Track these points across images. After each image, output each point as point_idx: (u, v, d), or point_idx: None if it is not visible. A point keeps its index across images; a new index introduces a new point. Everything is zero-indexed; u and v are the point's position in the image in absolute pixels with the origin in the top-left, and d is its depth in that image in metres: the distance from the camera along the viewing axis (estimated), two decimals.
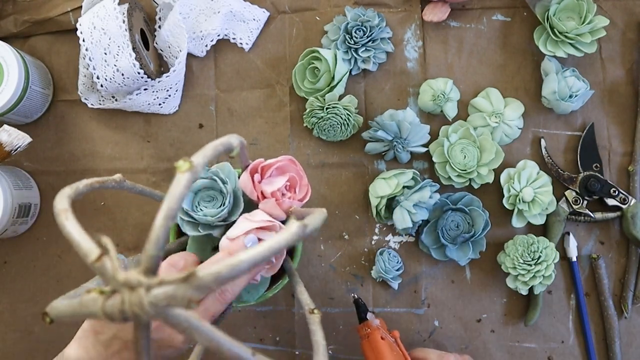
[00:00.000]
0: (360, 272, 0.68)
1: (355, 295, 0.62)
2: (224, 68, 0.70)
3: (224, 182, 0.52)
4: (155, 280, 0.26)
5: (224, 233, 0.50)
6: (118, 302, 0.26)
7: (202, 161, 0.31)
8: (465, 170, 0.63)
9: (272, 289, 0.56)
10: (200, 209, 0.51)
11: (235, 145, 0.36)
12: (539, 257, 0.63)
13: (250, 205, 0.52)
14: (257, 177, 0.50)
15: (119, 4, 0.61)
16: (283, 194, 0.50)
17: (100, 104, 0.68)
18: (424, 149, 0.66)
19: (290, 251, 0.56)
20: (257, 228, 0.48)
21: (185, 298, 0.25)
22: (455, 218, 0.65)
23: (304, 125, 0.67)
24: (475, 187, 0.65)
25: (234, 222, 0.50)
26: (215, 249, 0.50)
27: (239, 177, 0.52)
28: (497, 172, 0.65)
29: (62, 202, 0.31)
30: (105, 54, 0.61)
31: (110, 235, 0.68)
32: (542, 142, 0.68)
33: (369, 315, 0.60)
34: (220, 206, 0.51)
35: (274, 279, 0.56)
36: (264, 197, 0.49)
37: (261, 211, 0.50)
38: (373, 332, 0.59)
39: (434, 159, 0.65)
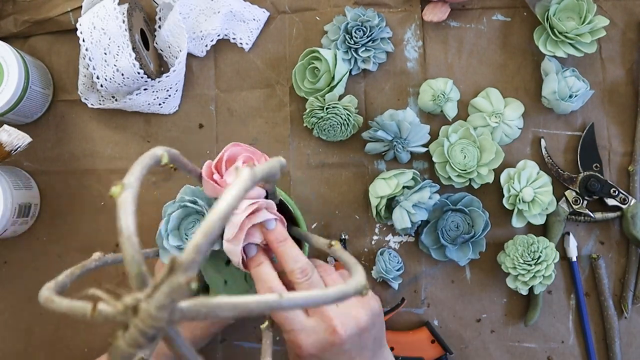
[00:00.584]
0: None
1: (343, 235, 0.67)
2: (224, 68, 0.70)
3: (194, 202, 0.51)
4: (149, 289, 0.26)
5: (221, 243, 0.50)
6: (134, 329, 0.26)
7: (133, 179, 0.31)
8: (465, 170, 0.63)
9: None
10: (190, 238, 0.51)
11: (159, 154, 0.36)
12: (539, 257, 0.63)
13: None
14: (216, 177, 0.49)
15: (119, 4, 0.61)
16: None
17: (100, 104, 0.68)
18: (424, 149, 0.66)
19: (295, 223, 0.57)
20: (249, 215, 0.48)
21: (182, 284, 0.25)
22: (455, 219, 0.65)
23: (304, 125, 0.67)
24: (475, 187, 0.65)
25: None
26: (229, 261, 0.50)
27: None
28: (497, 172, 0.65)
29: (46, 292, 0.31)
30: (105, 54, 0.61)
31: (110, 234, 0.69)
32: (542, 142, 0.68)
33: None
34: None
35: None
36: None
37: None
38: None
39: (434, 159, 0.65)
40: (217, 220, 0.27)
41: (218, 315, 0.27)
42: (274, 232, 0.49)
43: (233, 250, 0.48)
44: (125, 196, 0.30)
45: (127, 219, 0.29)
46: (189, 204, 0.51)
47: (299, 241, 0.54)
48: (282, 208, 0.55)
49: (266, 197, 0.51)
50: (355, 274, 0.34)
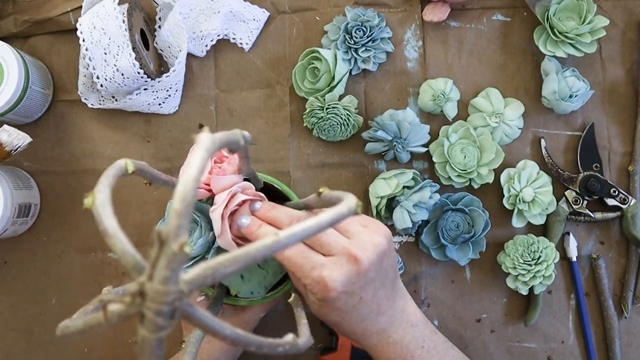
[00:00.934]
0: None
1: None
2: (224, 68, 0.70)
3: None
4: (148, 269, 0.26)
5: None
6: (149, 312, 0.26)
7: (101, 187, 0.32)
8: (465, 170, 0.63)
9: (279, 289, 0.56)
10: (192, 247, 0.51)
11: (122, 165, 0.37)
12: (539, 257, 0.63)
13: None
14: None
15: (119, 4, 0.61)
16: (219, 166, 0.50)
17: (100, 104, 0.68)
18: (424, 149, 0.66)
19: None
20: (227, 209, 0.48)
21: (176, 251, 0.25)
22: (455, 218, 0.65)
23: (304, 125, 0.67)
24: (475, 187, 0.65)
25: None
26: None
27: None
28: (497, 172, 0.65)
29: (60, 325, 0.32)
30: (105, 54, 0.61)
31: None
32: (542, 142, 0.68)
33: None
34: (199, 229, 0.51)
35: (279, 282, 0.56)
36: (209, 187, 0.49)
37: (217, 195, 0.49)
38: None
39: (434, 159, 0.65)
40: (190, 182, 0.28)
41: (224, 274, 0.27)
42: (260, 209, 0.50)
43: (226, 243, 0.49)
44: (100, 201, 0.30)
45: (108, 220, 0.29)
46: None
47: None
48: (270, 190, 0.56)
49: (248, 182, 0.51)
50: (346, 198, 0.34)
